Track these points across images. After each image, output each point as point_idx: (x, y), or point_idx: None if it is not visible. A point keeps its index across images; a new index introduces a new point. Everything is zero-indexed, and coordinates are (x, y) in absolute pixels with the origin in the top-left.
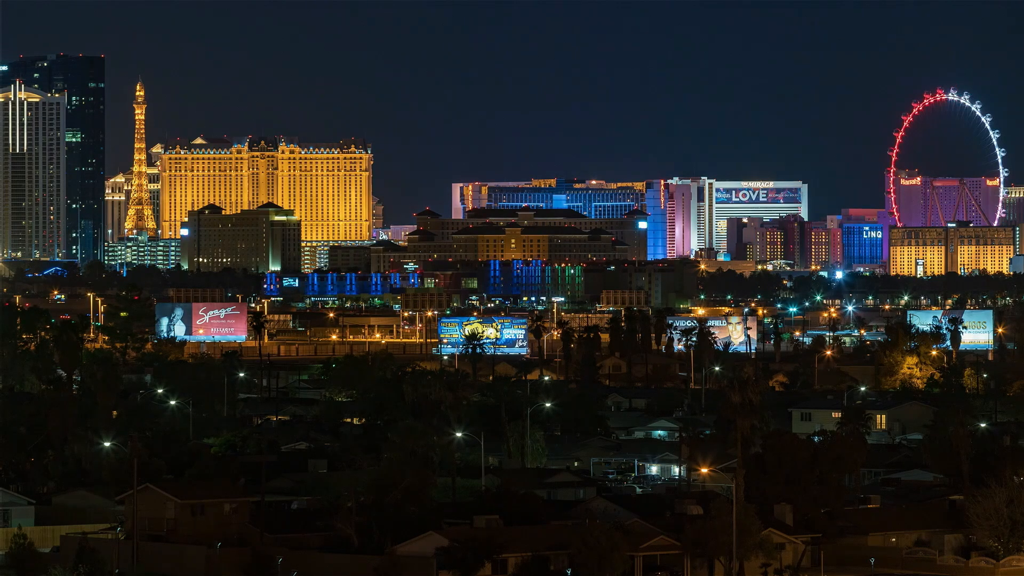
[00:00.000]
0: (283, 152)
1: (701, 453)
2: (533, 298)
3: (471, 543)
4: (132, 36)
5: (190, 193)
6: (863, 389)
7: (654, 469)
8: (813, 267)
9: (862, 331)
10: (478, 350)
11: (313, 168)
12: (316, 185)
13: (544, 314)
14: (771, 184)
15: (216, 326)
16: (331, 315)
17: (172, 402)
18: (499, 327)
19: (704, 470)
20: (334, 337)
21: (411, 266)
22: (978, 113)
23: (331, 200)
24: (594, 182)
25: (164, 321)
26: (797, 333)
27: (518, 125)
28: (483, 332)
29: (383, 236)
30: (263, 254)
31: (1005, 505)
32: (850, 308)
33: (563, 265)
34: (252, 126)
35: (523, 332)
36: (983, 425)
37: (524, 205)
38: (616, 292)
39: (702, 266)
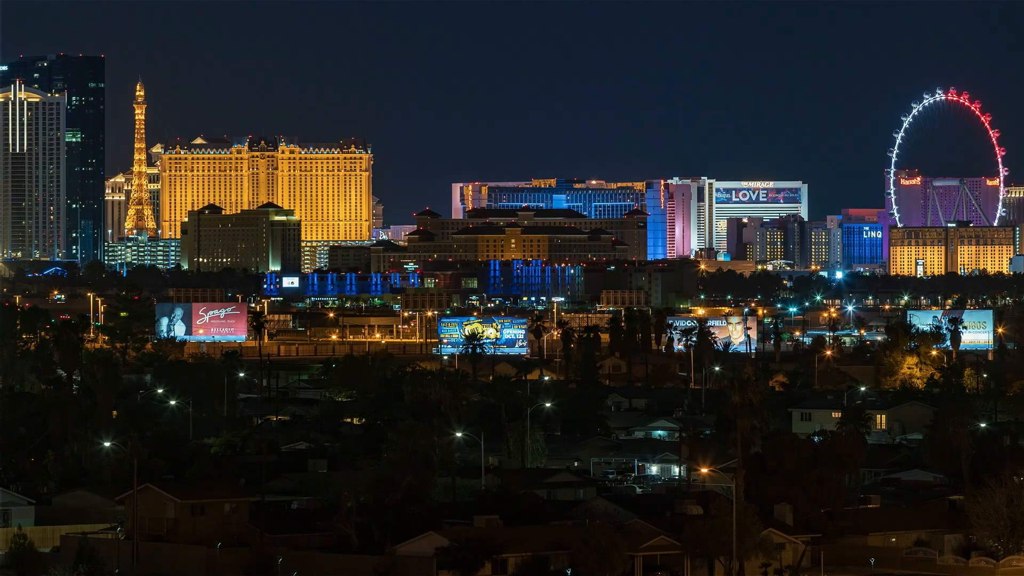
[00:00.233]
0: (283, 152)
1: (701, 453)
2: (533, 298)
3: (471, 543)
4: (132, 36)
5: (190, 193)
6: (863, 389)
7: (654, 469)
8: (813, 267)
9: (862, 331)
10: (478, 350)
11: (313, 168)
12: (316, 185)
13: (544, 314)
14: (771, 184)
15: (216, 326)
16: (331, 315)
17: (172, 402)
18: (499, 327)
19: (704, 470)
20: (334, 337)
21: (411, 266)
22: (978, 113)
23: (331, 200)
24: (594, 182)
25: (164, 321)
26: (797, 333)
27: (518, 125)
28: (483, 332)
29: (383, 236)
30: (263, 254)
31: (1005, 505)
32: (850, 308)
33: (563, 265)
34: (252, 126)
35: (523, 332)
36: (983, 425)
37: (524, 205)
38: (616, 292)
39: (702, 266)
